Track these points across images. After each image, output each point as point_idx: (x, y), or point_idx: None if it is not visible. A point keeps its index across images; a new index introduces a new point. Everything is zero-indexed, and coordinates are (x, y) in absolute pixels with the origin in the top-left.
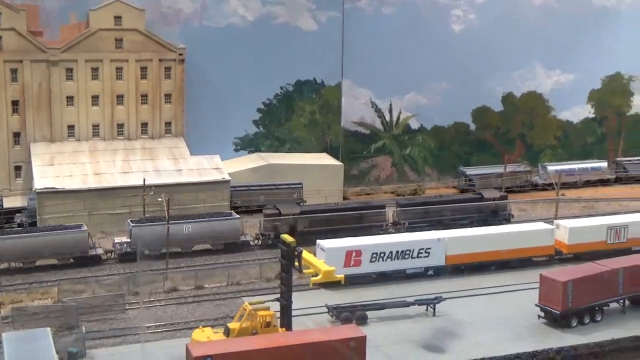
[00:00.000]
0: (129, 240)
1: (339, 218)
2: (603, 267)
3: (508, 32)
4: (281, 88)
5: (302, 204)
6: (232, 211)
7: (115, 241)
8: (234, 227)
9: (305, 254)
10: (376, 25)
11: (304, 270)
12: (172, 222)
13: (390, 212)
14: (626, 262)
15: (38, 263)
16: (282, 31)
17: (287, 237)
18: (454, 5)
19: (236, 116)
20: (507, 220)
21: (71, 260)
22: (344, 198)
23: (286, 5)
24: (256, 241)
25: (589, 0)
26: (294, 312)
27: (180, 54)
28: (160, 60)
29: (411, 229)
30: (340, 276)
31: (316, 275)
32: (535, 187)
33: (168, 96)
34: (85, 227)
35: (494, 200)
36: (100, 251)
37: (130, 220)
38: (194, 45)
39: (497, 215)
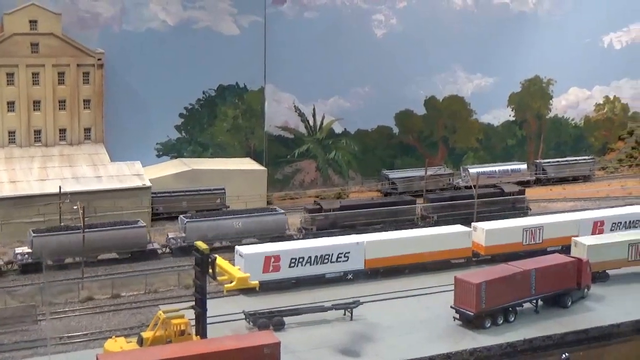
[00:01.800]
0: (183, 235)
1: (375, 212)
2: (516, 269)
3: (429, 37)
4: (203, 93)
5: (224, 209)
6: (277, 207)
7: (170, 236)
8: (280, 222)
9: (220, 261)
10: (299, 30)
11: (219, 278)
12: (223, 217)
13: (419, 207)
14: (538, 263)
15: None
16: (203, 36)
17: (201, 244)
18: (375, 10)
19: (158, 121)
20: (525, 213)
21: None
22: (268, 203)
23: (207, 10)
24: (299, 235)
25: (507, 6)
26: (211, 320)
27: (99, 59)
28: (78, 65)
29: (439, 221)
30: (254, 282)
31: (231, 282)
32: (457, 190)
33: (87, 102)
34: (143, 223)
35: (512, 194)
36: (156, 245)
37: (184, 216)
38: (113, 50)
39: (515, 208)
